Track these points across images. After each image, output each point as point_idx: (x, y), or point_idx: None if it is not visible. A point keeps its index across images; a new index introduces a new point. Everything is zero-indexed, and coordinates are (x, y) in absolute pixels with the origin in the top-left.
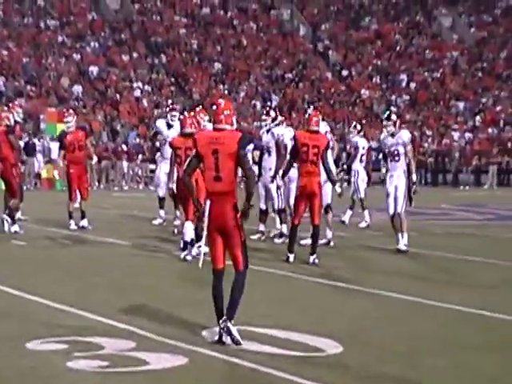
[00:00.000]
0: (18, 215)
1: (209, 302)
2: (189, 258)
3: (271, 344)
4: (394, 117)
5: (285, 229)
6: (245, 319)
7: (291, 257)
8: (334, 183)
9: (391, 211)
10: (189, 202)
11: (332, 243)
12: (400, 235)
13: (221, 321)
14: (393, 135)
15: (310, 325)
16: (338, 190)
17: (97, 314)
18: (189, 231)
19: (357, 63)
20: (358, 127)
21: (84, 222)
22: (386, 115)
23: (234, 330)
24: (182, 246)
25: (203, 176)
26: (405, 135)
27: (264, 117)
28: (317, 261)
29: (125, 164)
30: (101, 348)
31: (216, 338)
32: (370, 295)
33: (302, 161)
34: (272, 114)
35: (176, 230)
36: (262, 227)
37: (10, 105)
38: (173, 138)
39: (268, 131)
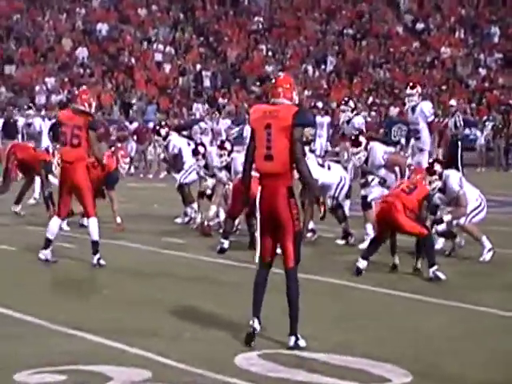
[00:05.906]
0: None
1: (244, 322)
2: (42, 256)
3: (323, 372)
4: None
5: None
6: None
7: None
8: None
9: None
10: (64, 195)
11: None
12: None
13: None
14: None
15: (370, 347)
16: None
17: (102, 336)
18: (54, 227)
19: (435, 13)
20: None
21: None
22: (344, 100)
23: (303, 343)
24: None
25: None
26: None
27: None
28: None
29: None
30: (107, 379)
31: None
32: (446, 308)
33: None
34: None
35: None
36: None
37: None
38: (62, 113)
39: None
